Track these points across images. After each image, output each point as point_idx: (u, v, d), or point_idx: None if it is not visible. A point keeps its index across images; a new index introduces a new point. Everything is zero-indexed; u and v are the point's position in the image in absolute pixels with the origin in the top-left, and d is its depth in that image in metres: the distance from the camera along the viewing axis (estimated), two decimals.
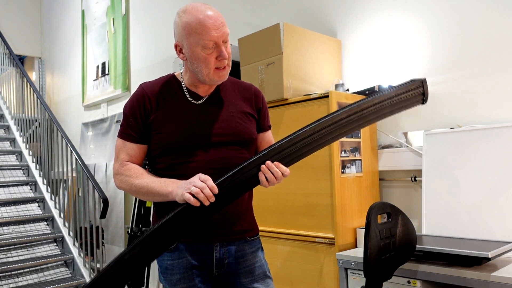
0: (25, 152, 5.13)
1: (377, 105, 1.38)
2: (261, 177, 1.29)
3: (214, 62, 1.37)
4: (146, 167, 1.53)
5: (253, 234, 1.52)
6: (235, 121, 1.45)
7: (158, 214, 1.48)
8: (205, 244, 1.42)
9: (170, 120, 1.42)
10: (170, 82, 1.48)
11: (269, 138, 1.58)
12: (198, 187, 1.24)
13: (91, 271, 4.01)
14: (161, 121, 1.42)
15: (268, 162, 1.29)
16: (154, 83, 1.48)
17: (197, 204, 1.24)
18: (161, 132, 1.41)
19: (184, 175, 1.35)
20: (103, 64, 5.49)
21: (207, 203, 1.24)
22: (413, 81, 1.45)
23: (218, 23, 1.34)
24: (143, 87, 1.47)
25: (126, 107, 1.47)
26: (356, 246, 2.30)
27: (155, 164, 1.45)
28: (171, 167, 1.41)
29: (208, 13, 1.35)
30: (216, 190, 1.25)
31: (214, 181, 1.26)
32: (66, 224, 4.45)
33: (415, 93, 1.42)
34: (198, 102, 1.45)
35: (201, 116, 1.43)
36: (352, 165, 2.35)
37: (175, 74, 1.51)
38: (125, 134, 1.45)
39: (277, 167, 1.29)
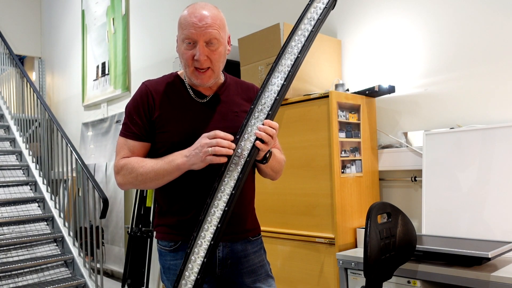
0: (25, 152, 5.13)
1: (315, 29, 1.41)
2: (258, 144, 1.29)
3: (192, 61, 1.37)
4: None
5: (255, 234, 1.52)
6: (238, 121, 1.44)
7: (161, 214, 1.48)
8: None
9: (174, 118, 1.41)
10: (173, 80, 1.47)
11: None
12: (213, 144, 1.26)
13: (91, 271, 4.01)
14: (165, 119, 1.41)
15: (259, 126, 1.30)
16: (158, 81, 1.48)
17: (225, 160, 1.27)
18: (166, 131, 1.41)
19: (190, 175, 1.35)
20: (103, 64, 5.49)
21: (231, 153, 1.27)
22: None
23: (202, 23, 1.33)
24: (146, 85, 1.46)
25: (129, 105, 1.46)
26: (356, 246, 2.30)
27: None
28: None
29: (198, 11, 1.35)
30: (231, 136, 1.28)
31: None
32: (66, 224, 4.45)
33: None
34: (202, 101, 1.45)
35: (205, 115, 1.43)
36: (352, 165, 2.35)
37: (178, 72, 1.51)
38: (127, 132, 1.43)
39: (268, 125, 1.30)
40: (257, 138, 1.29)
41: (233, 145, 1.28)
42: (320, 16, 1.41)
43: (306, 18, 1.42)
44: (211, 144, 1.26)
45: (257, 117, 1.33)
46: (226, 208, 1.27)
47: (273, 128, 1.30)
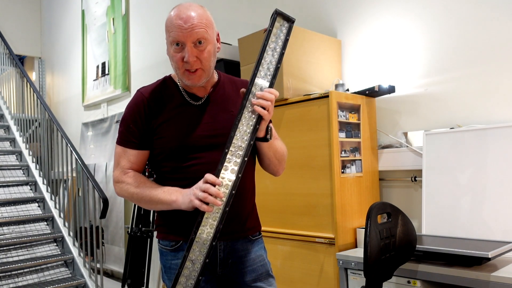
0: (25, 152, 5.13)
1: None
2: (259, 110, 1.28)
3: (182, 63, 1.36)
4: (147, 172, 1.52)
5: (255, 232, 1.52)
6: None
7: (161, 214, 1.48)
8: None
9: (171, 123, 1.41)
10: (167, 84, 1.47)
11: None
12: (203, 189, 1.25)
13: (91, 271, 4.01)
14: (162, 125, 1.41)
15: (257, 93, 1.29)
16: (152, 87, 1.47)
17: (210, 210, 1.25)
18: (163, 136, 1.41)
19: (190, 178, 1.35)
20: (103, 64, 5.49)
21: (219, 204, 1.24)
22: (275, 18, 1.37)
23: (187, 24, 1.33)
24: (141, 92, 1.45)
25: (125, 114, 1.46)
26: (356, 246, 2.30)
27: (160, 168, 1.45)
28: (176, 170, 1.41)
29: (183, 12, 1.34)
30: (219, 181, 1.25)
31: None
32: (66, 224, 4.45)
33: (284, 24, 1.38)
34: (197, 103, 1.45)
35: (201, 118, 1.42)
36: (352, 165, 2.35)
37: (171, 75, 1.50)
38: (125, 141, 1.43)
39: (267, 92, 1.30)
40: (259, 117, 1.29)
41: (222, 195, 1.25)
42: (283, 48, 1.35)
43: (269, 48, 1.34)
44: (202, 188, 1.25)
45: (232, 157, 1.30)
46: (226, 209, 1.27)
47: (272, 94, 1.30)
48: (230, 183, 1.28)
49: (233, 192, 1.28)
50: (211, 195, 1.24)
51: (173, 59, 1.38)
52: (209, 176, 1.26)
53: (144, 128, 1.42)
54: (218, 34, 1.44)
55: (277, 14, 1.35)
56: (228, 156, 1.29)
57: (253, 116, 1.31)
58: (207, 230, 1.27)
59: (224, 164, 1.28)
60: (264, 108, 1.29)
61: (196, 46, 1.35)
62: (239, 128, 1.30)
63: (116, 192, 1.46)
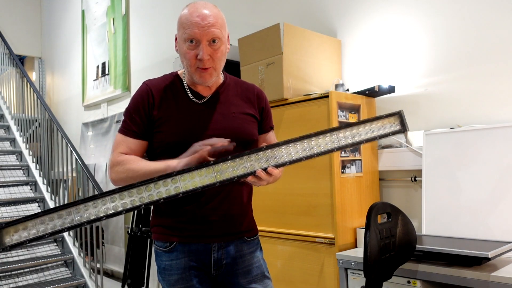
0: (25, 152, 5.13)
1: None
2: (252, 179, 1.26)
3: (195, 60, 1.36)
4: None
5: (251, 235, 1.52)
6: (236, 122, 1.44)
7: (157, 214, 1.48)
8: (203, 245, 1.42)
9: (171, 119, 1.41)
10: (173, 81, 1.48)
11: (271, 139, 1.55)
12: (204, 143, 1.28)
13: (91, 271, 4.01)
14: (163, 119, 1.41)
15: (269, 169, 1.25)
16: (158, 80, 1.48)
17: (208, 148, 1.26)
18: (163, 131, 1.41)
19: None
20: (103, 64, 5.49)
21: (219, 144, 1.27)
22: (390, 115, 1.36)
23: (204, 22, 1.33)
24: (147, 84, 1.46)
25: (129, 104, 1.46)
26: (356, 246, 2.30)
27: None
28: None
29: (200, 10, 1.35)
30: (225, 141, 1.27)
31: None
32: None
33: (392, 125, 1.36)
34: (200, 102, 1.45)
35: (202, 116, 1.43)
36: (352, 165, 2.35)
37: (178, 72, 1.51)
38: (127, 129, 1.43)
39: (271, 172, 1.26)
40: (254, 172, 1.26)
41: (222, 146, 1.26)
42: (378, 137, 1.33)
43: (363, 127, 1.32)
44: (202, 143, 1.29)
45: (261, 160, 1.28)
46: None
47: (275, 176, 1.29)
48: (223, 176, 1.24)
49: (217, 184, 1.24)
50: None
51: (186, 56, 1.37)
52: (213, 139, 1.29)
53: (147, 119, 1.42)
54: (228, 35, 1.45)
55: (398, 115, 1.34)
56: (244, 157, 1.26)
57: (249, 170, 1.27)
58: (185, 183, 1.23)
59: (235, 160, 1.25)
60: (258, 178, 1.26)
61: (210, 45, 1.35)
62: (251, 157, 1.27)
63: (112, 177, 1.40)
